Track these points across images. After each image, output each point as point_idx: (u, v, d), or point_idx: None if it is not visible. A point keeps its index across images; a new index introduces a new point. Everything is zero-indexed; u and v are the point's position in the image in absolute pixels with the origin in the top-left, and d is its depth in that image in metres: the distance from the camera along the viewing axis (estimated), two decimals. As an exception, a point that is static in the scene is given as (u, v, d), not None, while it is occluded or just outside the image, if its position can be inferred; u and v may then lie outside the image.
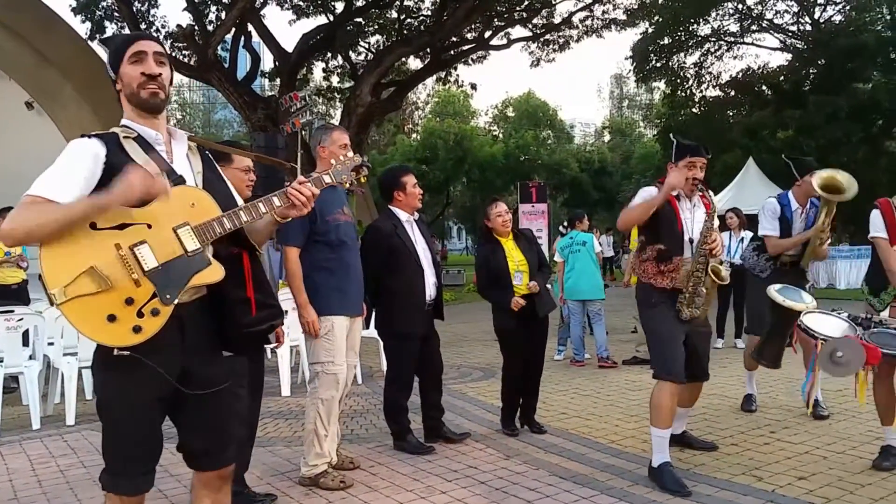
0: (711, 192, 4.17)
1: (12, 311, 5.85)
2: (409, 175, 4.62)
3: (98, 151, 2.09)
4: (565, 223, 7.88)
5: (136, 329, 1.99)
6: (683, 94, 26.32)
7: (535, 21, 21.36)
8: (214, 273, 2.13)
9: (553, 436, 4.78)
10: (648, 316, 4.01)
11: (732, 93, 25.89)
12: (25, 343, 6.11)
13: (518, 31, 21.67)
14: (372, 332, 7.39)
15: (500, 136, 40.58)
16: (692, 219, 3.97)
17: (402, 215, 4.53)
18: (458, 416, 5.30)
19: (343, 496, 3.71)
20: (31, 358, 5.91)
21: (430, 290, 4.53)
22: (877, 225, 4.24)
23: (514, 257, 4.88)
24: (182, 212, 2.12)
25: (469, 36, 21.06)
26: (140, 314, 2.00)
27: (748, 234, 8.24)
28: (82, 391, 6.14)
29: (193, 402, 2.15)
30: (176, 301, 2.05)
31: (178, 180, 2.17)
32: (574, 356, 7.61)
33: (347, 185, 2.50)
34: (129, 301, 2.00)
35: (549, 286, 5.21)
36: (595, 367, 7.34)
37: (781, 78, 24.24)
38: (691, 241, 3.91)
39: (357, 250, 4.12)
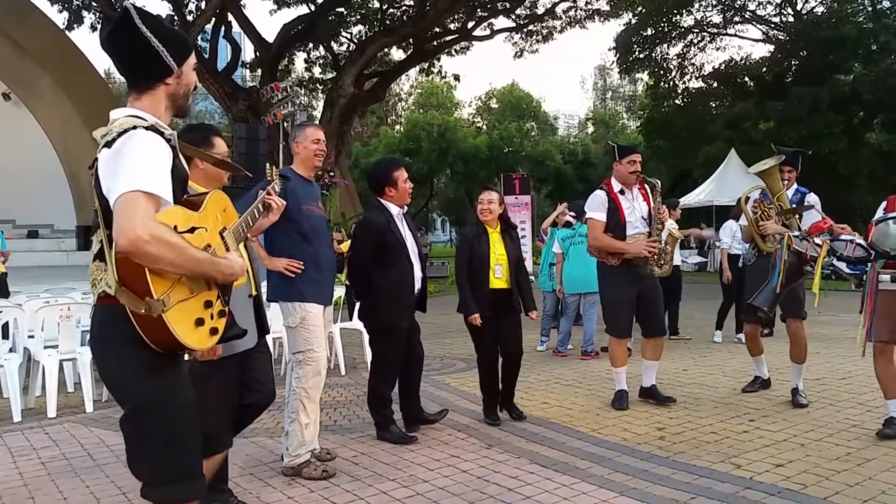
0: (658, 181, 5.29)
1: (-9, 304, 5.81)
2: (401, 170, 4.58)
3: (168, 149, 1.99)
4: (573, 214, 7.75)
5: (213, 331, 2.03)
6: (666, 86, 26.47)
7: (518, 11, 21.38)
8: (242, 277, 2.22)
9: (534, 425, 4.82)
10: (603, 288, 5.28)
11: (715, 84, 26.09)
12: (5, 336, 6.06)
13: (501, 22, 21.69)
14: (356, 323, 7.43)
15: (484, 127, 40.61)
16: (633, 206, 5.13)
17: (394, 209, 4.53)
18: (441, 406, 5.32)
19: (325, 486, 3.72)
20: (11, 351, 5.86)
21: (417, 284, 4.56)
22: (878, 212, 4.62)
23: (496, 250, 4.91)
24: (220, 216, 2.20)
25: (452, 26, 21.05)
26: (213, 316, 2.04)
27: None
28: (63, 384, 6.10)
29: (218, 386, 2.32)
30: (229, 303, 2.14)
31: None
32: (557, 347, 7.65)
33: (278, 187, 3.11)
34: (208, 304, 2.02)
35: (532, 278, 5.28)
36: (577, 358, 7.39)
37: (764, 69, 24.44)
38: (644, 218, 5.12)
39: (328, 241, 4.15)
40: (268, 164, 3.30)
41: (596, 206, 5.14)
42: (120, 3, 17.99)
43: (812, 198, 5.35)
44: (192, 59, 2.16)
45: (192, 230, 1.99)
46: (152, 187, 1.86)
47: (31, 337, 5.85)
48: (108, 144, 1.95)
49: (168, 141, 2.00)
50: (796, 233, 4.81)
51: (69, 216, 23.54)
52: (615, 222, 5.06)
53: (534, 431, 4.66)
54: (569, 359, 7.40)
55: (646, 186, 5.22)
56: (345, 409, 5.49)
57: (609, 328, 5.30)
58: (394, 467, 4.01)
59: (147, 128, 1.96)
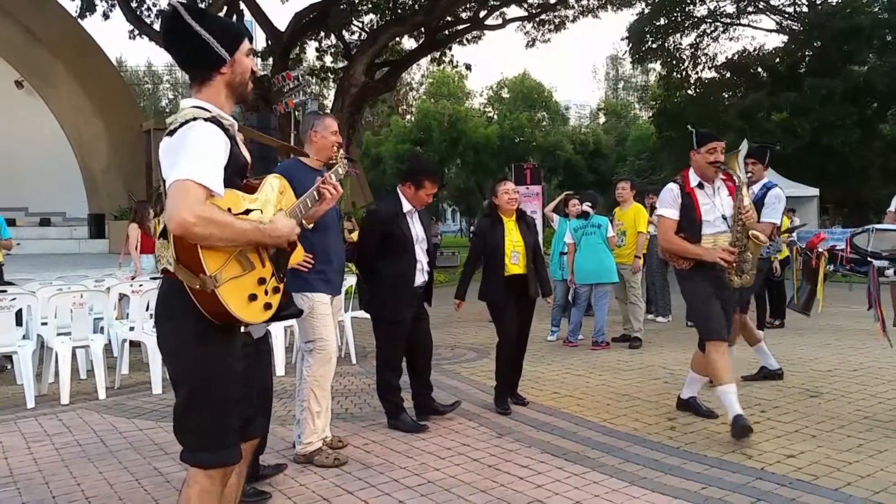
0: (742, 175, 4.49)
1: (5, 291, 5.85)
2: (433, 182, 4.60)
3: (225, 140, 2.11)
4: (588, 203, 7.71)
5: (267, 306, 2.18)
6: (679, 76, 26.26)
7: (530, 0, 21.22)
8: (299, 254, 2.43)
9: (545, 414, 4.82)
10: (684, 292, 4.52)
11: (728, 74, 25.86)
12: (19, 323, 6.11)
13: (513, 11, 21.54)
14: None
15: (495, 117, 40.41)
16: (713, 203, 4.38)
17: (406, 205, 4.56)
18: (452, 396, 5.33)
19: (337, 473, 3.74)
20: (24, 338, 5.91)
21: (422, 276, 4.58)
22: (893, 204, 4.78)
23: (512, 238, 4.99)
24: (276, 198, 2.35)
25: (464, 15, 20.93)
26: (267, 292, 2.18)
27: None
28: (76, 371, 6.15)
29: (246, 371, 2.31)
30: (284, 279, 2.28)
31: (249, 170, 2.32)
32: (568, 337, 7.64)
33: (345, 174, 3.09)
34: (262, 281, 2.17)
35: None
36: (587, 348, 7.38)
37: (777, 60, 24.22)
38: (727, 217, 4.37)
39: (337, 233, 4.16)
40: (335, 147, 3.40)
41: (667, 201, 4.45)
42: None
43: (775, 193, 5.32)
44: (245, 45, 2.24)
45: (246, 212, 2.15)
46: (203, 179, 1.98)
47: (45, 324, 5.90)
48: (171, 133, 2.07)
49: (227, 131, 2.13)
50: (792, 239, 4.90)
51: (81, 204, 23.65)
52: (689, 221, 4.36)
53: (544, 421, 4.66)
54: (579, 349, 7.40)
55: (734, 179, 4.45)
56: (356, 397, 5.51)
57: (703, 333, 4.44)
58: (405, 455, 4.02)
59: (207, 119, 2.09)
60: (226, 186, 2.09)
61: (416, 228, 4.57)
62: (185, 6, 2.14)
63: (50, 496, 3.51)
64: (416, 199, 4.55)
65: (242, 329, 2.28)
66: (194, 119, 2.06)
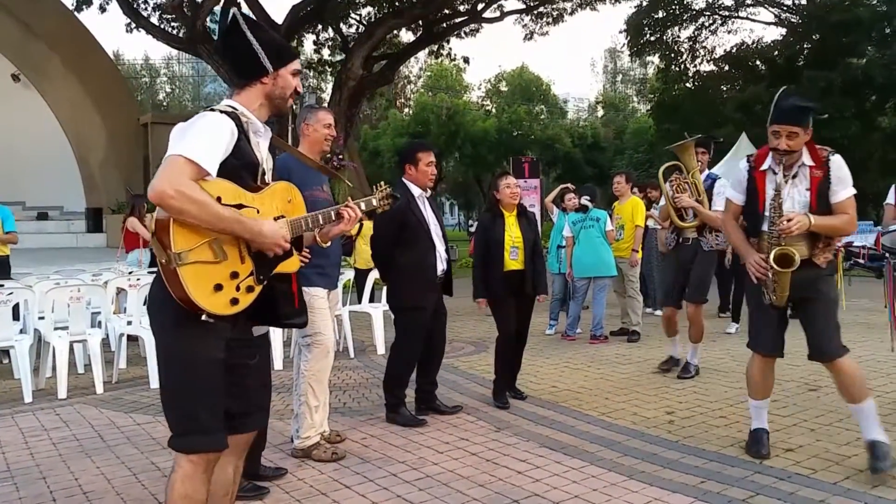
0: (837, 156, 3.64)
1: (2, 286, 5.83)
2: (426, 152, 4.61)
3: (233, 130, 2.20)
4: (587, 197, 7.71)
5: (234, 301, 2.16)
6: (677, 69, 26.16)
7: (528, -7, 21.15)
8: (294, 263, 2.39)
9: (543, 408, 4.82)
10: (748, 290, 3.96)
11: (726, 67, 25.76)
12: (16, 317, 6.09)
13: (511, 4, 21.60)
14: (365, 307, 7.45)
15: (493, 110, 40.32)
16: (787, 193, 3.52)
17: (415, 190, 4.56)
18: (450, 390, 5.34)
19: (335, 468, 3.74)
20: (21, 332, 5.89)
21: (441, 265, 4.57)
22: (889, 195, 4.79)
23: (512, 233, 4.98)
24: (282, 204, 2.38)
25: (462, 8, 20.83)
26: (238, 288, 2.17)
27: None
28: (73, 365, 6.13)
29: (238, 367, 2.29)
30: (265, 282, 2.26)
31: (263, 174, 2.36)
32: (566, 331, 7.63)
33: (380, 210, 3.00)
34: (234, 275, 2.17)
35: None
36: (586, 342, 7.38)
37: (776, 53, 24.13)
38: (801, 211, 3.51)
39: None
40: (382, 184, 3.12)
41: (733, 181, 3.81)
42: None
43: (723, 183, 5.34)
44: (294, 66, 2.39)
45: (239, 206, 2.17)
46: (193, 155, 2.06)
47: (42, 318, 5.88)
48: (187, 118, 2.22)
49: (241, 126, 2.24)
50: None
51: (79, 198, 23.62)
52: (751, 209, 3.65)
53: (543, 415, 4.66)
54: (578, 342, 7.39)
55: (828, 164, 3.58)
56: (354, 391, 5.50)
57: (749, 341, 4.19)
58: (403, 450, 4.02)
59: (223, 111, 2.22)
60: (230, 179, 2.17)
61: (429, 215, 4.57)
62: (245, 17, 2.34)
63: (47, 491, 3.50)
64: (421, 175, 4.55)
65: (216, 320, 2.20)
66: (211, 110, 2.22)
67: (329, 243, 2.71)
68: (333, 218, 2.63)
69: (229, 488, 2.43)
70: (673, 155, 5.59)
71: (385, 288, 5.23)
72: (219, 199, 2.11)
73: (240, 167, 2.22)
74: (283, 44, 2.47)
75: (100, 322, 6.55)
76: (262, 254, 2.23)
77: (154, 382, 5.62)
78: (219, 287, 2.12)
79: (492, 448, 4.01)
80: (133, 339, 6.48)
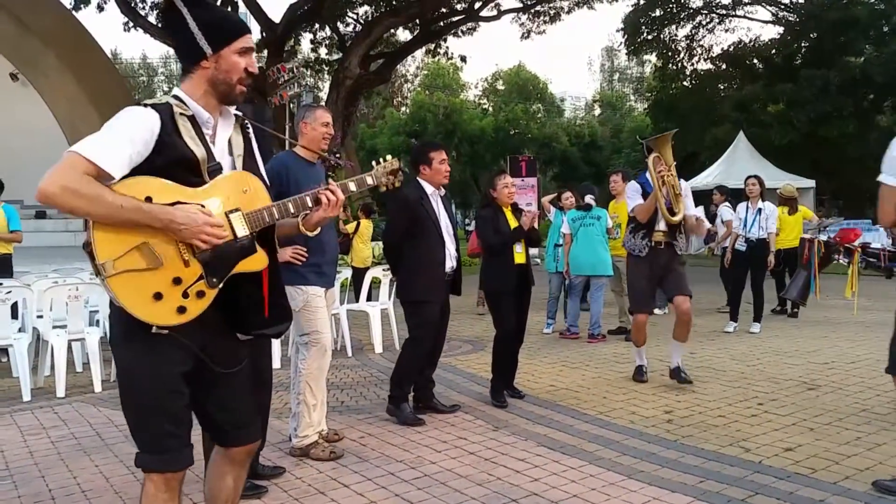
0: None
1: (0, 284, 5.82)
2: (438, 151, 4.67)
3: (154, 126, 1.96)
4: (591, 196, 7.71)
5: (181, 309, 1.97)
6: (674, 68, 26.21)
7: (525, -9, 21.16)
8: (258, 261, 2.12)
9: (541, 407, 4.82)
10: None
11: (724, 66, 25.81)
12: (14, 316, 6.08)
13: (508, 2, 21.50)
14: (363, 305, 7.44)
15: (490, 109, 40.34)
16: None
17: (429, 188, 4.60)
18: (448, 389, 5.34)
19: (333, 466, 3.73)
20: (20, 330, 5.88)
21: (451, 263, 4.60)
22: None
23: (513, 226, 5.02)
24: (235, 196, 2.09)
25: (459, 7, 20.85)
26: (185, 295, 1.97)
27: (768, 206, 7.88)
28: (72, 364, 6.12)
29: (222, 377, 2.15)
30: (220, 285, 2.04)
31: (215, 168, 2.08)
32: (569, 328, 7.62)
33: (385, 188, 2.58)
34: (177, 281, 1.97)
35: (538, 261, 5.29)
36: (584, 341, 7.38)
37: (773, 51, 24.18)
38: None
39: (332, 227, 4.15)
40: (389, 157, 2.66)
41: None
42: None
43: (685, 184, 5.32)
44: (240, 44, 2.09)
45: (174, 204, 1.95)
46: (90, 153, 1.87)
47: (40, 317, 5.86)
48: None
49: (170, 118, 1.99)
50: (825, 238, 4.82)
51: (76, 197, 23.56)
52: None
53: (541, 414, 4.66)
54: (576, 341, 7.40)
55: None
56: (352, 390, 5.50)
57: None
58: (401, 449, 4.02)
59: (150, 105, 2.00)
60: (163, 177, 1.96)
61: (441, 212, 4.60)
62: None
63: (46, 489, 3.49)
64: (436, 174, 4.58)
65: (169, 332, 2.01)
66: (137, 103, 2.01)
67: (317, 231, 2.39)
68: (310, 204, 2.28)
69: (229, 496, 2.30)
70: (680, 160, 5.46)
71: (395, 282, 5.23)
72: (149, 199, 1.91)
73: (169, 164, 1.97)
74: (225, 20, 2.14)
75: (98, 320, 6.53)
76: (214, 254, 2.00)
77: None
78: (158, 296, 1.93)
79: (490, 447, 4.01)
80: (131, 338, 6.46)
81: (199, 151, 2.03)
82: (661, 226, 5.19)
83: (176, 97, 2.07)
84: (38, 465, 3.84)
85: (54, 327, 5.68)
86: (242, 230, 2.07)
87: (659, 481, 3.43)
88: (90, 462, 3.88)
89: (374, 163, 2.61)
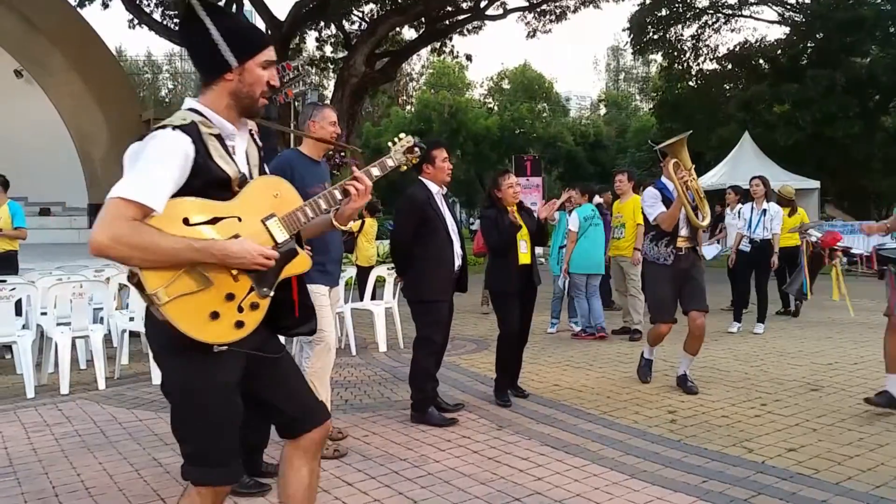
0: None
1: (4, 281, 5.83)
2: (440, 149, 4.65)
3: (188, 151, 1.92)
4: (599, 198, 7.72)
5: (239, 324, 1.96)
6: (680, 67, 26.12)
7: (531, -10, 21.12)
8: (302, 263, 2.12)
9: (545, 406, 4.82)
10: None
11: (729, 66, 25.70)
12: (18, 313, 6.10)
13: (514, 1, 21.47)
14: (367, 304, 7.45)
15: (496, 108, 40.30)
16: None
17: (433, 187, 4.60)
18: (452, 388, 5.34)
19: (337, 465, 3.74)
20: (24, 327, 5.90)
21: (457, 260, 4.60)
22: None
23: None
24: (267, 202, 2.08)
25: (464, 6, 20.79)
26: (240, 309, 1.97)
27: (772, 206, 7.85)
28: (76, 361, 6.14)
29: (276, 365, 2.16)
30: (272, 293, 2.04)
31: (244, 182, 2.06)
32: (584, 329, 7.58)
33: (405, 167, 2.57)
34: (230, 297, 1.96)
35: (542, 260, 5.26)
36: (587, 340, 7.38)
37: (779, 52, 24.08)
38: None
39: None
40: (403, 134, 2.60)
41: None
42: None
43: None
44: (264, 56, 2.06)
45: (213, 221, 1.94)
46: (135, 195, 1.83)
47: (44, 314, 5.88)
48: (141, 138, 1.95)
49: (200, 139, 1.95)
50: (814, 238, 4.85)
51: (81, 194, 23.60)
52: None
53: (545, 413, 4.66)
54: (581, 341, 7.39)
55: None
56: (356, 388, 5.50)
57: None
58: (405, 447, 4.02)
59: (178, 127, 1.93)
60: (197, 196, 1.94)
61: (445, 211, 4.61)
62: (204, 2, 2.00)
63: (49, 486, 3.51)
64: (439, 172, 4.57)
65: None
66: (163, 127, 1.93)
67: (350, 224, 2.38)
68: (339, 197, 2.27)
69: (307, 492, 2.28)
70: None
71: (399, 282, 5.21)
72: (186, 221, 1.89)
73: (204, 186, 1.95)
74: (249, 31, 2.10)
75: (102, 318, 6.55)
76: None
77: (157, 378, 5.62)
78: (215, 315, 1.92)
79: (494, 446, 4.01)
80: (135, 335, 6.48)
81: (231, 170, 2.02)
82: (684, 231, 5.05)
83: (198, 112, 2.02)
84: (41, 463, 3.85)
85: (58, 324, 5.70)
86: (281, 235, 2.07)
87: (662, 481, 3.43)
88: (94, 459, 3.89)
89: (389, 143, 2.55)
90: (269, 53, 2.08)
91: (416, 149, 2.54)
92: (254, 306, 1.99)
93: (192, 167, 1.93)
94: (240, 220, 1.99)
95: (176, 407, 2.04)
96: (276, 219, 2.07)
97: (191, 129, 1.94)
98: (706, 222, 5.00)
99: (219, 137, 2.02)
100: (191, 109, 2.02)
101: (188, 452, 2.05)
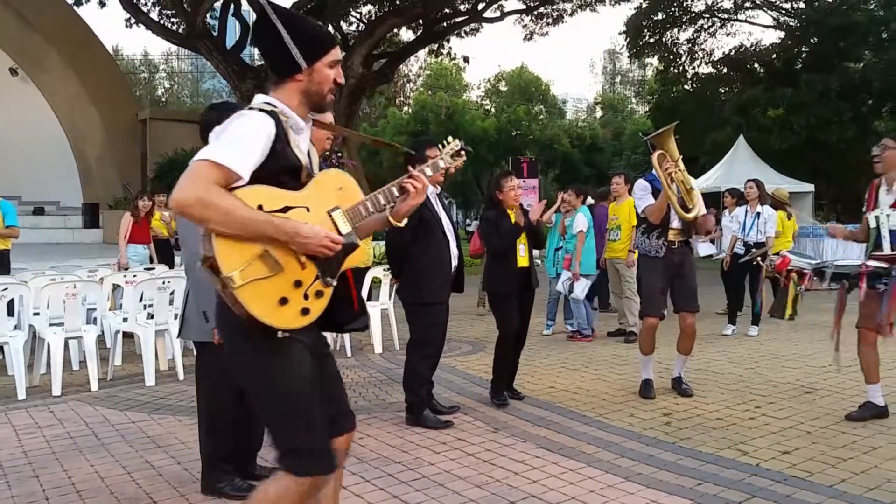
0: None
1: (-4, 281, 5.80)
2: (433, 148, 4.56)
3: (271, 131, 2.03)
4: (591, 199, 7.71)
5: (305, 311, 2.03)
6: (676, 71, 26.17)
7: (528, -7, 21.15)
8: (362, 255, 2.22)
9: (540, 409, 4.81)
10: None
11: (725, 70, 25.77)
12: (10, 313, 6.05)
13: (512, 4, 21.65)
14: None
15: (493, 110, 40.30)
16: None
17: (429, 187, 4.53)
18: (447, 389, 5.32)
19: (331, 467, 3.72)
20: (16, 328, 5.86)
21: (454, 261, 4.58)
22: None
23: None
24: (332, 195, 2.18)
25: (462, 7, 20.82)
26: (306, 296, 2.04)
27: (766, 209, 7.82)
28: (69, 362, 6.10)
29: (319, 368, 2.19)
30: (335, 283, 2.11)
31: (310, 175, 2.18)
32: (579, 331, 7.58)
33: (452, 170, 2.71)
34: (298, 284, 2.02)
35: (539, 262, 5.24)
36: (584, 342, 7.37)
37: (773, 56, 24.15)
38: None
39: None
40: (450, 138, 2.77)
41: None
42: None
43: (693, 181, 5.16)
44: (331, 56, 2.16)
45: (284, 209, 2.01)
46: (222, 159, 1.92)
47: (37, 314, 5.85)
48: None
49: (280, 125, 2.05)
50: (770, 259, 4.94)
51: (75, 193, 23.54)
52: None
53: (540, 415, 4.65)
54: (576, 343, 7.38)
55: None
56: (351, 390, 5.47)
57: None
58: (400, 450, 4.00)
59: (264, 110, 2.05)
60: (270, 184, 2.02)
61: (441, 211, 4.58)
62: (274, 6, 2.11)
63: (40, 489, 3.48)
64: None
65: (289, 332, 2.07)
66: (250, 109, 2.06)
67: (405, 222, 2.44)
68: (397, 194, 2.34)
69: (335, 496, 2.35)
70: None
71: (395, 284, 5.19)
72: (260, 208, 1.96)
73: (279, 171, 2.05)
74: (317, 33, 2.20)
75: (95, 318, 6.52)
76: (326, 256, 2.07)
77: (150, 380, 5.60)
78: (284, 300, 1.99)
79: (489, 448, 4.00)
80: (129, 336, 6.45)
81: (304, 159, 2.13)
82: (676, 223, 5.01)
83: (278, 107, 2.11)
84: (32, 465, 3.83)
85: (51, 325, 5.67)
86: (345, 227, 2.15)
87: (657, 484, 3.42)
88: (85, 462, 3.87)
89: (440, 145, 2.68)
90: (336, 53, 2.19)
91: (463, 152, 2.69)
92: (318, 294, 2.07)
93: (271, 149, 2.02)
94: (308, 210, 2.08)
95: (267, 402, 2.10)
96: (340, 211, 2.17)
97: (274, 114, 2.06)
98: (693, 214, 4.91)
99: (292, 127, 2.14)
100: (266, 103, 2.12)
101: (287, 445, 2.08)
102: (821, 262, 4.73)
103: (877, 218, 4.47)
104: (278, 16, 2.11)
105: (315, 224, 2.05)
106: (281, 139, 2.04)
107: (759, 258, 5.53)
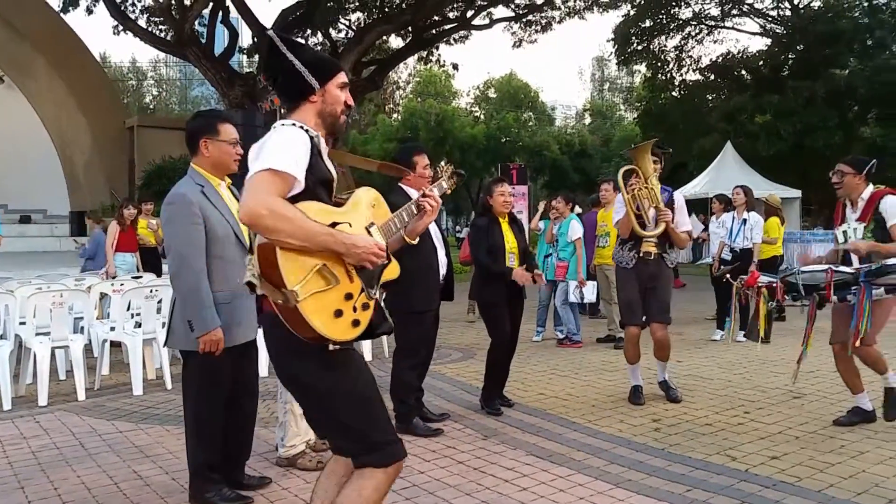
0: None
1: (-17, 290, 5.75)
2: (421, 155, 4.56)
3: (307, 145, 2.13)
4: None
5: (356, 323, 2.11)
6: (664, 78, 26.35)
7: (517, 1, 21.22)
8: (395, 269, 2.32)
9: (530, 416, 4.81)
10: None
11: (712, 77, 25.99)
12: (-3, 322, 6.01)
13: (500, 11, 21.52)
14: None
15: (482, 117, 40.41)
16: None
17: (414, 194, 4.51)
18: (437, 397, 5.31)
19: (320, 476, 3.70)
20: (1, 337, 5.81)
21: (442, 269, 4.56)
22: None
23: (509, 239, 4.98)
24: (369, 211, 2.31)
25: (451, 15, 20.88)
26: (355, 308, 2.11)
27: (753, 216, 7.87)
28: (55, 371, 6.05)
29: None
30: (377, 295, 2.22)
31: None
32: (569, 337, 7.59)
33: (449, 192, 2.85)
34: (349, 296, 2.10)
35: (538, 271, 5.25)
36: (573, 349, 7.38)
37: (760, 63, 24.38)
38: None
39: None
40: (444, 163, 3.03)
41: None
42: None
43: (679, 198, 5.30)
44: (339, 79, 2.28)
45: (332, 225, 2.09)
46: (280, 165, 2.00)
47: (23, 323, 5.79)
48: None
49: (312, 138, 2.16)
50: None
51: (62, 201, 23.38)
52: None
53: (530, 423, 4.64)
54: (566, 350, 7.38)
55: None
56: (339, 398, 5.46)
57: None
58: (388, 458, 3.98)
59: (294, 125, 2.16)
60: (310, 199, 2.09)
61: None
62: (280, 36, 2.23)
63: (25, 500, 3.44)
64: (417, 182, 4.42)
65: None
66: (282, 125, 2.16)
67: (417, 240, 2.59)
68: (415, 212, 2.51)
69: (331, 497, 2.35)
70: (668, 170, 5.37)
71: (384, 293, 5.18)
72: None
73: (316, 184, 2.14)
74: (324, 57, 2.37)
75: (82, 328, 6.47)
76: (363, 267, 2.15)
77: (137, 389, 5.55)
78: (339, 313, 2.06)
79: (479, 456, 3.99)
80: (116, 345, 6.40)
81: (335, 173, 2.25)
82: (648, 230, 5.06)
83: (305, 127, 2.19)
84: (17, 476, 3.78)
85: (37, 334, 5.61)
86: (382, 242, 2.24)
87: (647, 490, 3.43)
88: (72, 472, 3.83)
89: (437, 168, 2.92)
90: (343, 77, 2.31)
91: (455, 175, 2.86)
92: (365, 307, 2.16)
93: (309, 160, 2.11)
94: (350, 225, 2.17)
95: (336, 408, 2.16)
96: (376, 227, 2.30)
97: (304, 129, 2.17)
98: (653, 232, 5.00)
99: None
100: (291, 123, 2.19)
101: (368, 445, 2.16)
102: (786, 270, 4.74)
103: (844, 233, 4.57)
104: (287, 46, 2.23)
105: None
106: (315, 152, 2.14)
107: (727, 276, 5.55)
